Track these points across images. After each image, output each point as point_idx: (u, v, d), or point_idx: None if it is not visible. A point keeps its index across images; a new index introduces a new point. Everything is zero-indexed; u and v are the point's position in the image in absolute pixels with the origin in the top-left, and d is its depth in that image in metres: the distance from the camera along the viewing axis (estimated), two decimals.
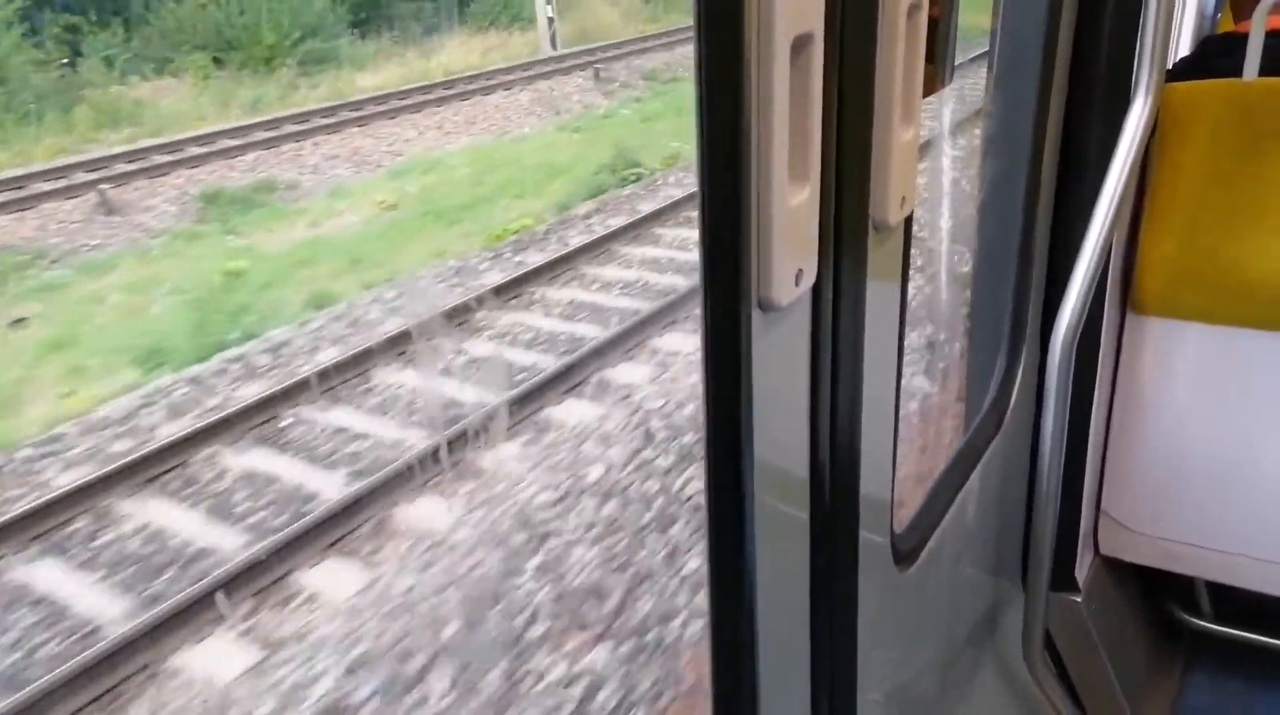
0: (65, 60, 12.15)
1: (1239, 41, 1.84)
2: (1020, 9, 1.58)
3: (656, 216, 8.55)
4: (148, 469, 5.11)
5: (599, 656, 3.65)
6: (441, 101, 12.79)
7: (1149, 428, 1.96)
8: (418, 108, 12.51)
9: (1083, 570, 2.04)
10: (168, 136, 11.14)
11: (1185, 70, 1.97)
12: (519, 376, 5.91)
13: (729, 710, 1.04)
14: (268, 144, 11.09)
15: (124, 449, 5.41)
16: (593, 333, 6.49)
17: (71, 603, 4.25)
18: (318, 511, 4.59)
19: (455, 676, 3.63)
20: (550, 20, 14.86)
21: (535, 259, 7.81)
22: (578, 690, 3.53)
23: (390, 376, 6.07)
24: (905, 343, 1.22)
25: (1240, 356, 1.84)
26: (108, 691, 3.72)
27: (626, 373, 5.95)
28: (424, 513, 4.70)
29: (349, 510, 4.60)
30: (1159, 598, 2.25)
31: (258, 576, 4.22)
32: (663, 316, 6.57)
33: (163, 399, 6.03)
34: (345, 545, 4.48)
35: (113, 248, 8.58)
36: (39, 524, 4.72)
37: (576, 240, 8.19)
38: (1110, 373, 1.95)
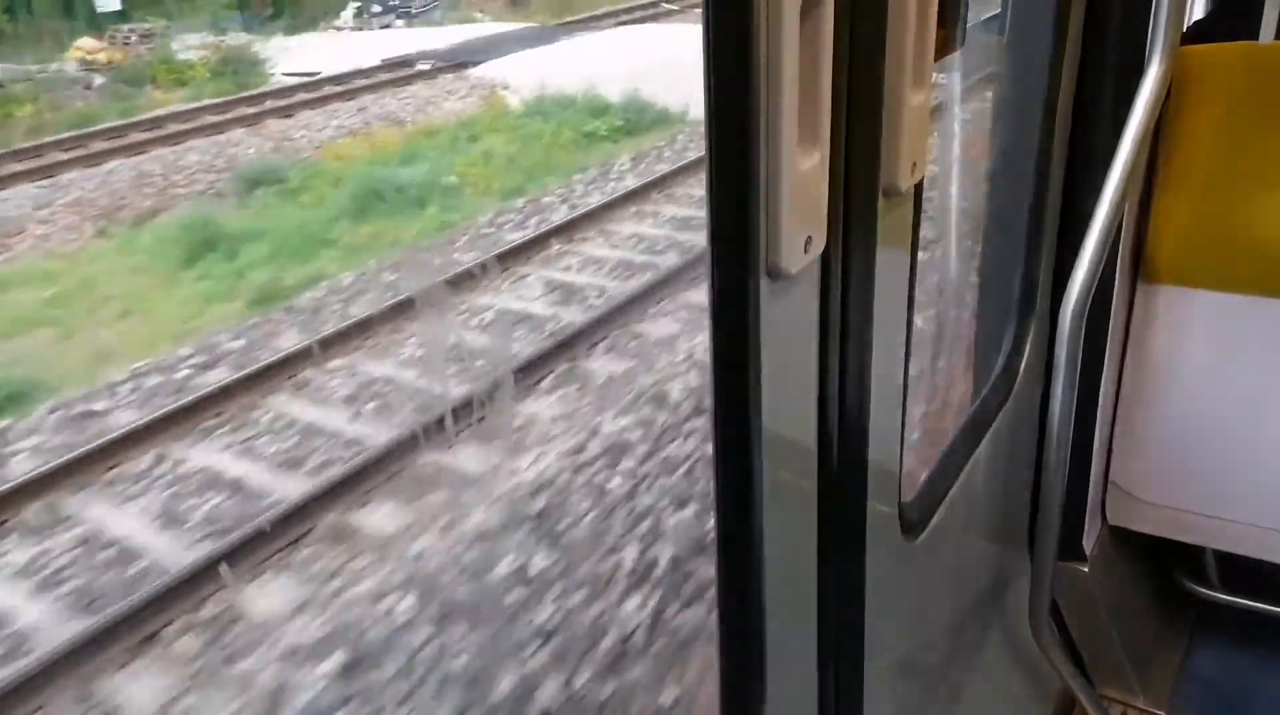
0: None
1: (1256, 3, 1.81)
2: None
3: None
4: None
5: None
6: None
7: (1159, 397, 1.95)
8: None
9: (1090, 540, 2.03)
10: None
11: (1201, 33, 1.93)
12: None
13: (737, 678, 1.04)
14: None
15: None
16: None
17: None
18: None
19: None
20: None
21: None
22: None
23: None
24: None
25: (1253, 325, 1.82)
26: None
27: None
28: None
29: None
30: (1166, 567, 2.25)
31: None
32: None
33: None
34: None
35: None
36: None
37: None
38: (1121, 342, 1.93)
